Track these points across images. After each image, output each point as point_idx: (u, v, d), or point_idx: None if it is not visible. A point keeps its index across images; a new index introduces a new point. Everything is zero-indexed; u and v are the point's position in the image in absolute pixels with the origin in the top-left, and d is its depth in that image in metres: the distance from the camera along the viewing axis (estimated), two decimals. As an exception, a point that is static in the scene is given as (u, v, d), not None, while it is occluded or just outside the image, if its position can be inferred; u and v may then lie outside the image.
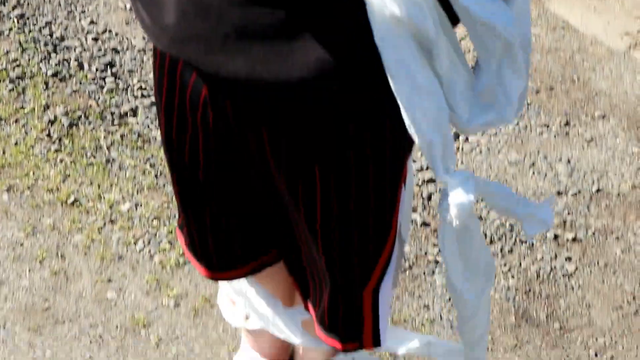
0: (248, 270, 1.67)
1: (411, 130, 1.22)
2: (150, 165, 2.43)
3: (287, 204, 1.45)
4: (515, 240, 2.25)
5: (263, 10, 1.18)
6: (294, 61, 1.22)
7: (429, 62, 1.23)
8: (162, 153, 2.39)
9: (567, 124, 2.62)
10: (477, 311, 1.68)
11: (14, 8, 2.74)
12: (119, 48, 2.74)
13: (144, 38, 2.77)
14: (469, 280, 1.62)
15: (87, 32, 2.74)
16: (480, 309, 1.68)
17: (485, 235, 2.26)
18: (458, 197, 1.39)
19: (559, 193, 2.35)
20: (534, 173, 2.40)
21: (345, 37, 1.20)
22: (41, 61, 2.59)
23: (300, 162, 1.36)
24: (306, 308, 1.68)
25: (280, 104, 1.29)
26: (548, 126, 2.55)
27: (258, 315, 1.77)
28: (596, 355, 2.01)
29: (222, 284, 1.81)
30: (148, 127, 2.55)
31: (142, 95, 2.62)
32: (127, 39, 2.79)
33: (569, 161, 2.42)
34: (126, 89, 2.63)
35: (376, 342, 1.62)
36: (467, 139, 2.48)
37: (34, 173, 2.37)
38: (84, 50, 2.67)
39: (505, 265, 2.19)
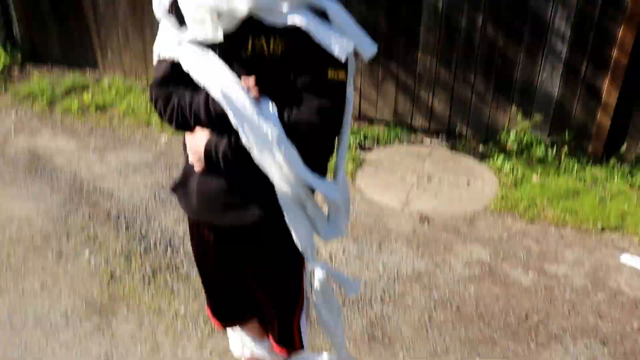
0: (238, 324, 2.75)
1: (297, 241, 2.22)
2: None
3: (254, 285, 2.45)
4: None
5: (234, 196, 2.17)
6: (247, 217, 2.21)
7: (304, 212, 2.17)
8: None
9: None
10: (335, 331, 2.57)
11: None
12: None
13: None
14: (329, 313, 2.51)
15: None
16: (337, 329, 2.57)
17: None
18: (319, 274, 2.34)
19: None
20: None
21: (267, 207, 2.17)
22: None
23: (255, 259, 2.37)
24: (268, 338, 2.72)
25: (243, 233, 2.30)
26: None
27: (248, 347, 2.84)
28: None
29: (230, 332, 2.85)
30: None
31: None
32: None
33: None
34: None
35: (302, 347, 2.64)
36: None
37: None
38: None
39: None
